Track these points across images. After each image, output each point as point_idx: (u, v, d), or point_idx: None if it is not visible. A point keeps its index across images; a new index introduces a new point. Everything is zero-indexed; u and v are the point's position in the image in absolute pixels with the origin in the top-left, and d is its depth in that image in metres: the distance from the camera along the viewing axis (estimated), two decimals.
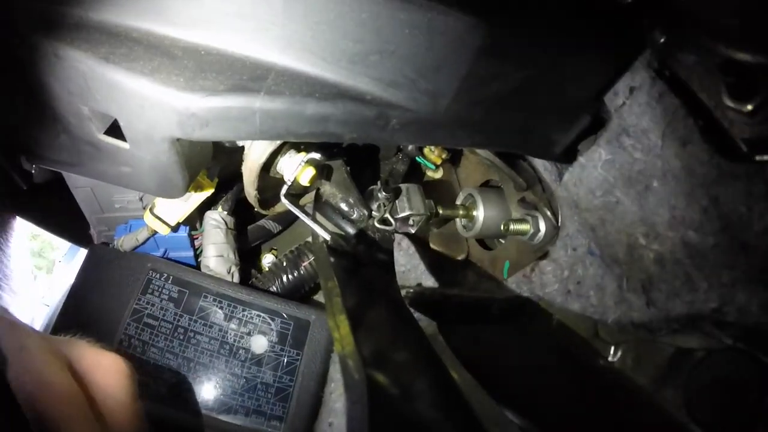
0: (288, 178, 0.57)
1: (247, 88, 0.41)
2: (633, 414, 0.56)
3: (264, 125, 0.43)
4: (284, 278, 0.73)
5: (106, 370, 0.40)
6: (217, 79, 0.41)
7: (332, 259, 0.57)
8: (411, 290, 0.63)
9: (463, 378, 0.50)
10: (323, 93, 0.42)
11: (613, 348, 0.59)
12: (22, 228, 0.91)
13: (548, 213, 0.60)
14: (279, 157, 0.58)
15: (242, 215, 0.78)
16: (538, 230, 0.61)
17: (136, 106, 0.43)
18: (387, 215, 0.62)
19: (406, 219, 0.64)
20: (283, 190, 0.57)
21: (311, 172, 0.58)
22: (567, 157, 0.55)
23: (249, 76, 0.42)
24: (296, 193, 0.65)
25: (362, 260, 0.61)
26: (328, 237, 0.60)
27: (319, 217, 0.63)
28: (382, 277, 0.61)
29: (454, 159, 0.78)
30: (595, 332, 0.60)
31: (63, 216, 0.86)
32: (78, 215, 0.79)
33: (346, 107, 0.43)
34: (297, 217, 0.82)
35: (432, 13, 0.40)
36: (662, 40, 0.48)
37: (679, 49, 0.47)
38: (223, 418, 0.63)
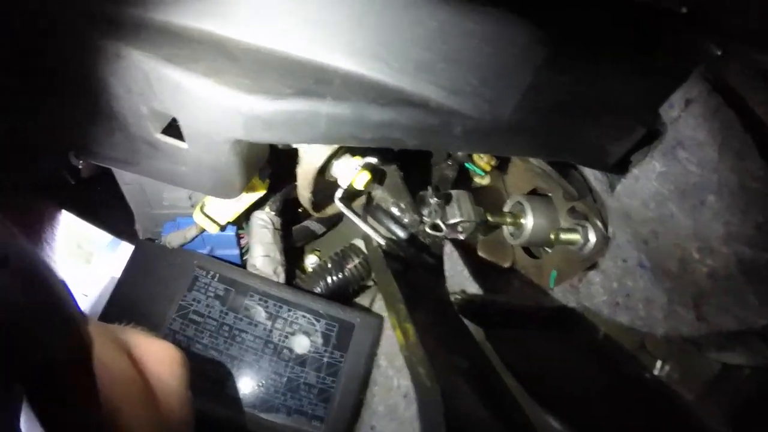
0: (343, 182, 0.59)
1: (314, 93, 0.42)
2: (677, 428, 0.58)
3: (329, 130, 0.44)
4: (329, 280, 0.76)
5: (160, 358, 0.42)
6: (283, 82, 0.42)
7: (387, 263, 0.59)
8: (458, 296, 0.66)
9: (511, 384, 0.52)
10: (388, 99, 0.44)
11: (659, 362, 0.60)
12: (66, 220, 0.95)
13: (598, 223, 0.61)
14: (334, 160, 0.60)
15: (287, 215, 0.81)
16: (587, 240, 0.62)
17: (199, 107, 0.44)
18: (438, 221, 0.64)
19: (455, 225, 0.65)
20: (338, 194, 0.59)
21: (366, 176, 0.60)
22: (620, 168, 0.56)
23: (314, 79, 0.43)
24: (350, 197, 0.67)
25: (412, 264, 0.63)
26: (382, 241, 0.62)
27: (370, 220, 0.65)
28: (432, 282, 0.63)
29: (501, 166, 0.79)
30: (642, 345, 0.61)
31: (107, 209, 0.90)
32: (122, 209, 0.82)
33: (410, 114, 0.44)
34: (341, 219, 0.86)
35: (502, 23, 0.42)
36: (718, 53, 0.49)
37: (735, 63, 0.48)
38: (264, 416, 0.66)
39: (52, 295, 0.31)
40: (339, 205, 0.60)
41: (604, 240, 0.61)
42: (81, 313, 0.34)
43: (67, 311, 0.32)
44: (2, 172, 0.78)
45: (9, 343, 0.27)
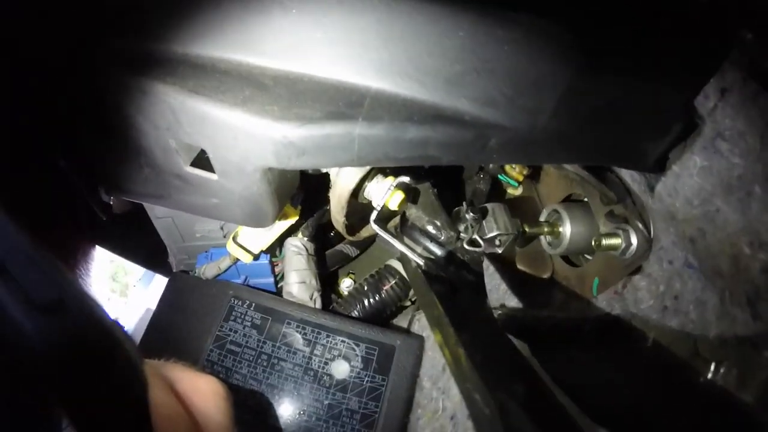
0: (377, 204, 0.59)
1: (345, 115, 0.42)
2: None
3: (362, 151, 0.43)
4: (366, 303, 0.76)
5: (205, 393, 0.41)
6: (313, 106, 0.42)
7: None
8: (498, 311, 0.65)
9: (563, 401, 0.51)
10: (421, 116, 0.43)
11: (714, 365, 0.59)
12: (100, 255, 0.97)
13: (640, 226, 0.60)
14: (366, 182, 0.60)
15: (320, 240, 0.82)
16: (630, 244, 0.60)
17: (228, 138, 0.44)
18: (475, 236, 0.63)
19: (493, 239, 0.65)
20: (373, 216, 0.59)
21: (400, 196, 0.59)
22: (658, 166, 0.55)
23: (345, 102, 0.42)
24: (384, 218, 0.67)
25: (455, 284, 0.62)
26: (421, 261, 0.62)
27: (406, 240, 0.65)
28: (475, 300, 0.63)
29: (534, 175, 0.79)
30: (695, 349, 0.60)
31: (140, 243, 0.92)
32: (155, 242, 0.83)
33: (445, 129, 0.44)
34: (374, 241, 0.86)
35: (531, 28, 0.41)
36: (749, 37, 0.48)
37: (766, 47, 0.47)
38: None
39: (109, 337, 0.31)
40: (375, 228, 0.59)
41: (647, 243, 0.60)
42: (138, 353, 0.34)
43: (126, 354, 0.32)
44: (37, 209, 0.80)
45: (69, 388, 0.28)
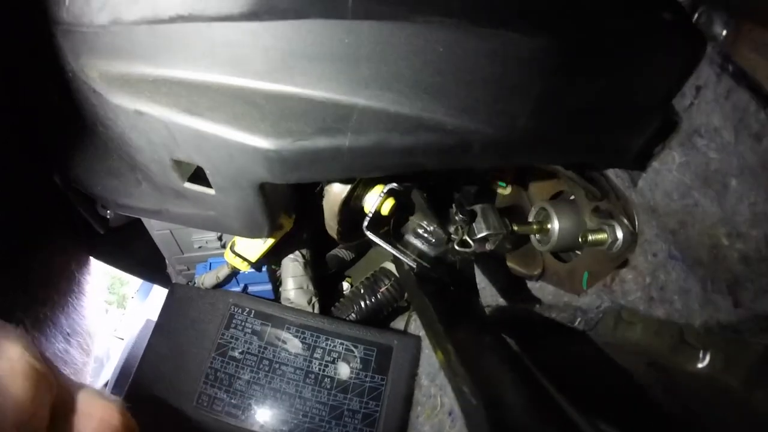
0: (369, 210, 0.60)
1: (334, 130, 0.43)
2: (727, 416, 0.58)
3: (352, 163, 0.45)
4: (362, 305, 0.78)
5: (93, 420, 0.39)
6: (303, 122, 0.43)
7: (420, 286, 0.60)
8: (491, 309, 0.66)
9: (554, 393, 0.52)
10: (405, 127, 0.45)
11: (701, 352, 0.60)
12: (96, 267, 0.98)
13: (625, 220, 0.61)
14: (358, 190, 0.60)
15: (316, 246, 0.83)
16: (615, 239, 0.61)
17: (223, 155, 0.46)
18: (465, 237, 0.65)
19: (483, 239, 0.66)
20: (365, 223, 0.60)
21: (391, 202, 0.60)
22: (639, 162, 0.57)
23: (333, 117, 0.44)
24: (376, 224, 0.69)
25: (447, 284, 0.64)
26: (414, 265, 0.63)
27: (398, 244, 0.66)
28: (467, 299, 0.64)
29: (521, 174, 0.80)
30: (681, 338, 0.61)
31: (137, 254, 0.93)
32: (152, 253, 0.85)
33: (429, 138, 0.45)
34: (370, 245, 0.87)
35: (503, 39, 0.43)
36: (723, 34, 0.49)
37: (744, 41, 0.47)
38: None
39: None
40: (368, 234, 0.61)
41: (632, 236, 0.61)
42: None
43: None
44: (34, 225, 0.81)
45: None
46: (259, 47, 0.43)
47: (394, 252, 0.63)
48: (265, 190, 0.50)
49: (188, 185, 0.53)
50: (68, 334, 0.84)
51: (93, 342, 0.92)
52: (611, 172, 0.62)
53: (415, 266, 0.63)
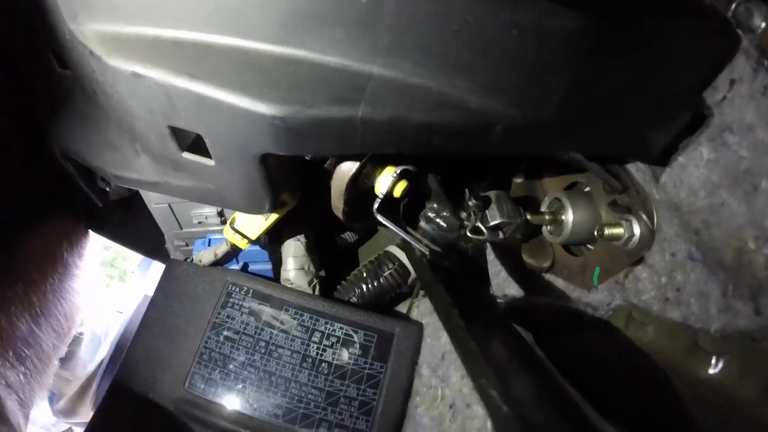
0: (381, 192, 0.59)
1: (348, 100, 0.41)
2: (739, 427, 0.56)
3: (365, 137, 0.43)
4: (365, 288, 0.76)
5: None
6: (314, 90, 0.42)
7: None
8: (500, 300, 0.65)
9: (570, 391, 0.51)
10: (426, 102, 0.42)
11: (714, 358, 0.59)
12: (95, 242, 0.97)
13: (643, 216, 0.60)
14: (367, 168, 0.59)
15: (320, 226, 0.82)
16: (632, 234, 0.60)
17: (226, 123, 0.44)
18: (478, 224, 0.63)
19: (496, 227, 0.65)
20: (376, 205, 0.59)
21: (404, 184, 0.59)
22: (664, 157, 0.55)
23: (347, 86, 0.42)
24: (386, 206, 0.68)
25: (458, 272, 0.63)
26: (426, 251, 0.62)
27: (409, 229, 0.65)
28: (479, 289, 0.63)
29: (536, 162, 0.79)
30: (695, 342, 0.60)
31: (137, 229, 0.92)
32: (152, 229, 0.84)
33: (450, 117, 0.43)
34: (376, 229, 0.85)
35: (542, 13, 0.40)
36: (762, 26, 0.48)
37: None
38: (305, 431, 0.66)
39: None
40: (378, 217, 0.59)
41: (650, 233, 0.60)
42: None
43: None
44: (33, 197, 0.80)
45: None
46: (268, 7, 0.40)
47: (406, 237, 0.62)
48: (267, 162, 0.48)
49: (186, 155, 0.52)
50: (38, 314, 0.83)
51: (71, 325, 0.92)
52: (632, 166, 0.61)
53: (427, 252, 0.62)
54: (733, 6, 0.49)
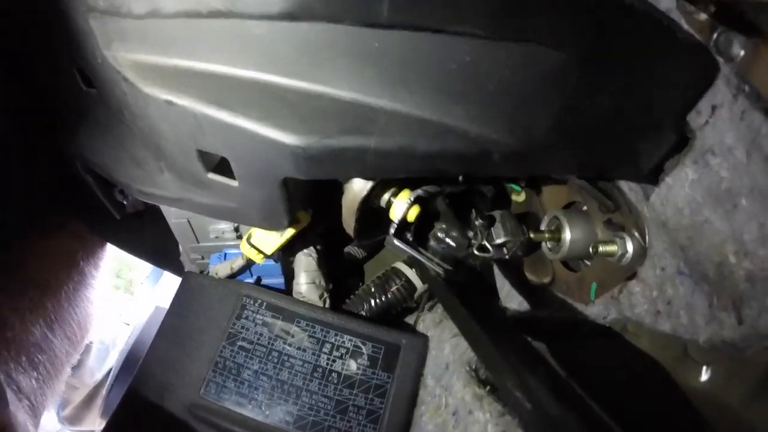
0: (396, 218, 0.62)
1: (361, 131, 0.46)
2: (726, 429, 0.59)
3: (376, 164, 0.47)
4: (373, 303, 0.79)
5: None
6: (331, 121, 0.46)
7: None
8: (509, 313, 0.67)
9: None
10: (431, 132, 0.47)
11: (704, 367, 0.61)
12: (109, 253, 1.00)
13: (636, 234, 0.62)
14: (378, 188, 0.62)
15: (331, 242, 0.85)
16: (625, 251, 0.63)
17: (251, 149, 0.48)
18: (485, 242, 0.66)
19: (501, 245, 0.68)
20: (392, 230, 0.63)
21: (417, 209, 0.63)
22: (653, 177, 0.58)
23: (360, 118, 0.46)
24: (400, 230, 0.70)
25: (468, 288, 0.65)
26: (441, 271, 0.65)
27: (421, 249, 0.68)
28: (490, 303, 0.66)
29: (536, 182, 0.81)
30: (685, 352, 0.62)
31: (149, 240, 0.94)
32: (164, 240, 0.87)
33: (452, 145, 0.47)
34: (382, 245, 0.89)
35: (529, 53, 0.44)
36: (741, 55, 0.50)
37: (757, 64, 0.48)
38: None
39: None
40: (395, 242, 0.63)
41: (642, 249, 0.62)
42: None
43: None
44: (51, 208, 0.83)
45: None
46: (293, 46, 0.45)
47: (421, 259, 0.64)
48: (288, 184, 0.52)
49: (212, 176, 0.55)
50: (52, 320, 0.85)
51: (84, 333, 0.94)
52: (625, 186, 0.64)
53: (442, 272, 0.65)
54: (715, 35, 0.51)
